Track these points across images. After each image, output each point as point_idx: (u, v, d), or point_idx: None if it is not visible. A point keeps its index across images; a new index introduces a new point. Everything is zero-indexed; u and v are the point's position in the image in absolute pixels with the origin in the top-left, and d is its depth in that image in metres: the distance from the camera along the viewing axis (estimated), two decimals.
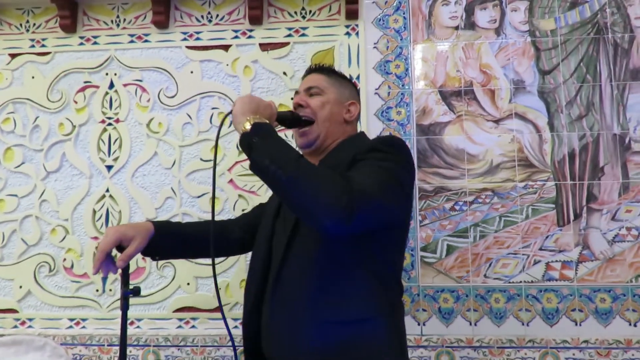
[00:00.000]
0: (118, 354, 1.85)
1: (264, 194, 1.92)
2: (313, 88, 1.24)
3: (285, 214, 1.15)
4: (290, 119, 1.19)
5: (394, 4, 1.97)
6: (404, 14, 1.97)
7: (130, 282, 1.93)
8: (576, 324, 1.79)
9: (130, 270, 1.91)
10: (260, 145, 0.94)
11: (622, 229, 1.81)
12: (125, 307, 1.11)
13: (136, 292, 1.10)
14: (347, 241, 0.99)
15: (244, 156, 1.95)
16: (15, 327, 1.95)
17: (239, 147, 1.06)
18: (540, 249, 1.82)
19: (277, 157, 0.93)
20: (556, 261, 1.81)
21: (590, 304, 1.79)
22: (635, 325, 1.77)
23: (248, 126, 0.97)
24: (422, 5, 1.96)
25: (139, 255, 1.92)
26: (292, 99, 1.35)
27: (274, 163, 0.91)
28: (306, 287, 1.02)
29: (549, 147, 1.86)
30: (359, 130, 1.39)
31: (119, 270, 1.19)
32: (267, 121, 1.01)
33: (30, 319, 1.95)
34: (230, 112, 1.07)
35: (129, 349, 1.90)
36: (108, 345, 1.91)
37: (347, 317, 1.00)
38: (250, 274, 1.26)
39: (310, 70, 1.33)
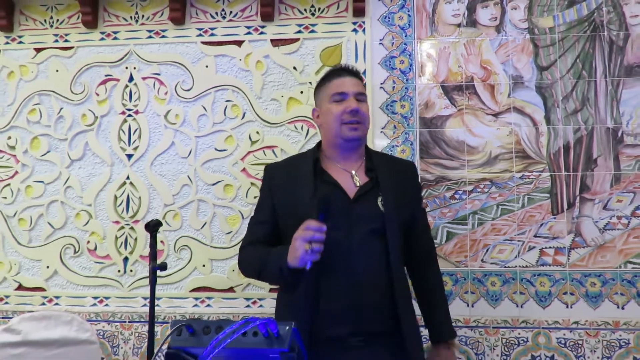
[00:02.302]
0: (148, 325, 2.01)
1: None
2: (361, 95, 1.40)
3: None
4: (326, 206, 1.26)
5: (399, 2, 2.06)
6: (408, 11, 2.06)
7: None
8: (567, 307, 1.90)
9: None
10: None
11: (613, 217, 1.91)
12: (153, 281, 1.23)
13: (163, 267, 1.22)
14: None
15: (256, 146, 2.07)
16: (43, 304, 2.10)
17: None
18: (535, 236, 1.93)
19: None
20: (550, 247, 1.92)
21: (581, 288, 1.91)
22: (623, 308, 1.88)
23: None
24: (426, 3, 2.05)
25: (158, 238, 2.06)
26: (338, 97, 1.39)
27: None
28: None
29: (545, 139, 1.96)
30: None
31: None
32: None
33: (56, 297, 2.10)
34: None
35: (148, 325, 2.05)
36: (129, 322, 2.05)
37: None
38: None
39: (350, 72, 1.43)
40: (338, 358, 1.28)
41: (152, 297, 1.21)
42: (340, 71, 1.43)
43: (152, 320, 1.24)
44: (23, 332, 1.84)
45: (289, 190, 1.38)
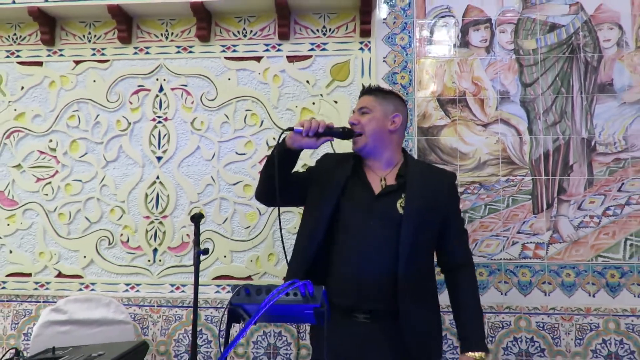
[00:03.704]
0: (175, 309, 2.25)
1: None
2: (364, 108, 1.59)
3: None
4: (342, 133, 1.53)
5: (401, 25, 2.33)
6: (409, 33, 2.32)
7: (177, 254, 2.34)
8: (545, 294, 2.17)
9: (177, 244, 2.32)
10: None
11: (586, 217, 2.18)
12: (197, 263, 1.47)
13: (205, 251, 1.47)
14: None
15: None
16: (80, 290, 2.34)
17: None
18: (518, 232, 2.20)
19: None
20: (531, 242, 2.19)
21: (557, 278, 2.17)
22: (594, 296, 2.15)
23: None
24: (424, 26, 2.32)
25: (184, 232, 2.31)
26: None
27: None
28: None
29: (527, 148, 2.22)
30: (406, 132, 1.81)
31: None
32: None
33: (93, 284, 2.35)
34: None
35: (174, 309, 2.30)
36: (158, 306, 2.30)
37: None
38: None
39: (363, 92, 1.65)
40: (344, 329, 1.48)
41: (197, 276, 1.45)
42: (361, 93, 1.66)
43: (196, 296, 1.47)
44: (69, 312, 2.10)
45: (329, 174, 1.59)
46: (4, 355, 1.26)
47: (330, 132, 1.51)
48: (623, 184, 2.17)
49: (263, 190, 1.62)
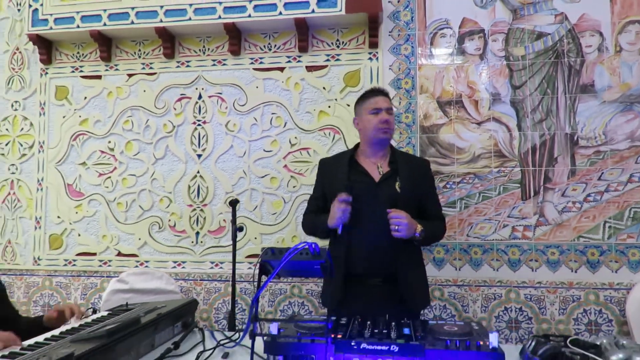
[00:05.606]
0: (213, 282, 2.66)
1: (309, 175, 2.68)
2: (390, 109, 1.94)
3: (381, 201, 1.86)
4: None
5: (405, 37, 2.67)
6: (412, 44, 2.66)
7: (215, 237, 2.75)
8: (532, 270, 2.48)
9: (215, 228, 2.74)
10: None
11: (569, 202, 2.47)
12: (234, 238, 1.87)
13: (240, 229, 1.86)
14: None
15: (294, 148, 2.72)
16: (136, 266, 2.80)
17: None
18: (508, 216, 2.51)
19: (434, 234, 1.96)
20: (519, 225, 2.50)
21: (543, 256, 2.48)
22: (575, 272, 2.45)
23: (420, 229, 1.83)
24: (425, 37, 2.65)
25: (221, 217, 2.73)
26: (374, 111, 1.92)
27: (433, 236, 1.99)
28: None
29: (517, 142, 2.53)
30: None
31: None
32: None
33: (146, 261, 2.80)
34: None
35: (214, 283, 2.73)
36: (200, 280, 2.74)
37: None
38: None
39: (382, 92, 1.96)
40: (361, 291, 1.85)
41: (234, 247, 1.84)
42: (376, 92, 1.97)
43: (234, 263, 1.87)
44: (130, 282, 2.55)
45: (333, 176, 1.96)
46: (84, 313, 1.70)
47: (350, 190, 1.83)
48: (602, 173, 2.46)
49: (314, 235, 2.05)
